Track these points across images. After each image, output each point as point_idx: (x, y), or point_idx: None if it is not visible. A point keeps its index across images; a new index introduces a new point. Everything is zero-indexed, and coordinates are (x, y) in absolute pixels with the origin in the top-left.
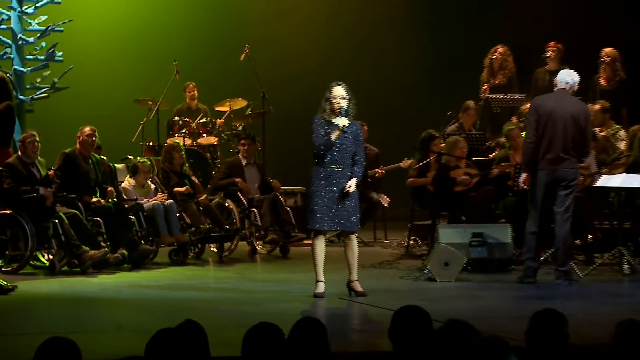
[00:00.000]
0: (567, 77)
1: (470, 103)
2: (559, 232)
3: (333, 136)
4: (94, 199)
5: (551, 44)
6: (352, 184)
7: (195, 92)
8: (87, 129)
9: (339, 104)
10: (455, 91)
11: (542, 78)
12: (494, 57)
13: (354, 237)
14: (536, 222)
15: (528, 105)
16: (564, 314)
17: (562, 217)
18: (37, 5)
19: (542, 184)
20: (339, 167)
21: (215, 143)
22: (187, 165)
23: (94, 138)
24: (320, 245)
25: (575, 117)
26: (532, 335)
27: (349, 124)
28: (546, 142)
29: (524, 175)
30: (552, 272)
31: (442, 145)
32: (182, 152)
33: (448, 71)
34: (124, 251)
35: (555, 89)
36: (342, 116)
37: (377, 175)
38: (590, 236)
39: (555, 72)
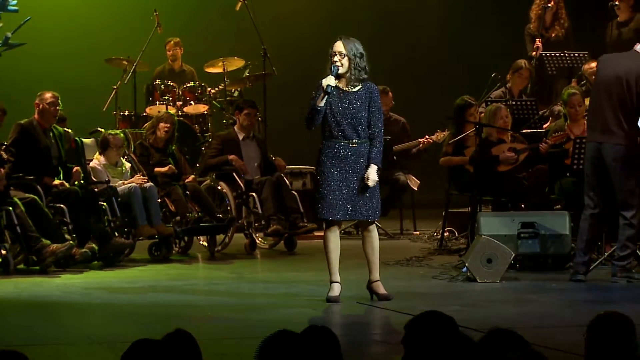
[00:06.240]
0: None
1: (523, 62)
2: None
3: (319, 101)
4: (57, 182)
5: None
6: (370, 176)
7: (179, 50)
8: (48, 95)
9: (333, 61)
10: (499, 50)
11: (608, 33)
12: (549, 5)
13: (373, 228)
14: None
15: (592, 64)
16: (631, 320)
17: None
18: None
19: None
20: (354, 142)
21: (206, 112)
22: (174, 145)
23: (56, 107)
24: (333, 238)
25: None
26: (593, 346)
27: (358, 87)
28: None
29: None
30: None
31: (482, 114)
32: (174, 126)
33: (489, 25)
34: (94, 245)
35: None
36: (332, 76)
37: (421, 147)
38: None
39: (626, 24)
